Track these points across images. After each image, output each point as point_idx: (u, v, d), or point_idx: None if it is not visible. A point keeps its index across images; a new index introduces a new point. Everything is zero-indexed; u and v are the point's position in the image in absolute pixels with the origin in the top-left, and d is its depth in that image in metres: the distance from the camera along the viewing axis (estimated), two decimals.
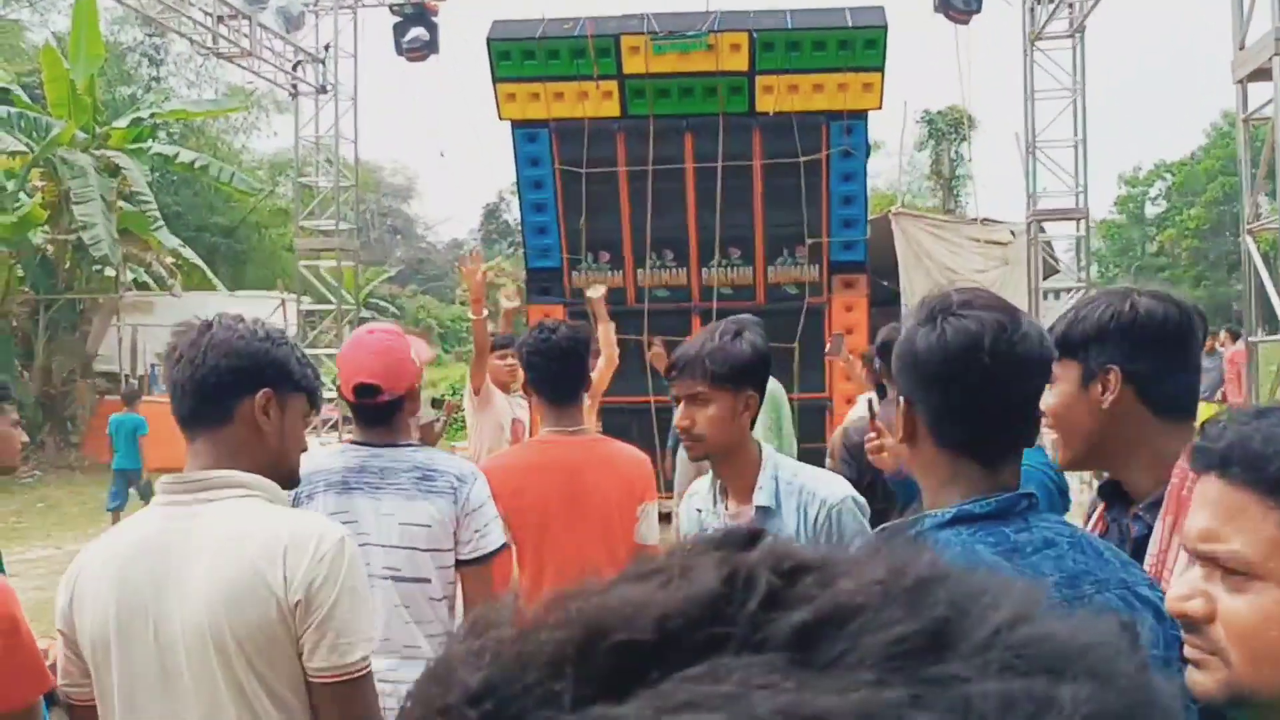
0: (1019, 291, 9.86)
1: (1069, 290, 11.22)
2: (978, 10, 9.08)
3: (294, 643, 1.59)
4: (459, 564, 2.46)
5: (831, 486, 2.25)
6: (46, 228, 15.86)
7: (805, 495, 2.19)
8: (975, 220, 12.02)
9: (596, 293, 5.98)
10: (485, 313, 5.22)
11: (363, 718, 1.64)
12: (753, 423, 2.27)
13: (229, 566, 1.58)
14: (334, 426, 12.51)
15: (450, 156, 20.71)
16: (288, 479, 1.79)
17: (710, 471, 2.36)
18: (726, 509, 2.30)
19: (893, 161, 26.81)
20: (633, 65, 9.60)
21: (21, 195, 15.80)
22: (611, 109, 9.80)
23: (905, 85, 12.58)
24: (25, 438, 3.25)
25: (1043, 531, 1.35)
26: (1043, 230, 10.43)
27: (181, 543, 1.61)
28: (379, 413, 2.54)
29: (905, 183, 31.41)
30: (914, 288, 10.61)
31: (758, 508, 2.19)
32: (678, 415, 2.25)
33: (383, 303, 29.78)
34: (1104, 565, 1.34)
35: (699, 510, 2.38)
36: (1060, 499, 3.16)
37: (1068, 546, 1.34)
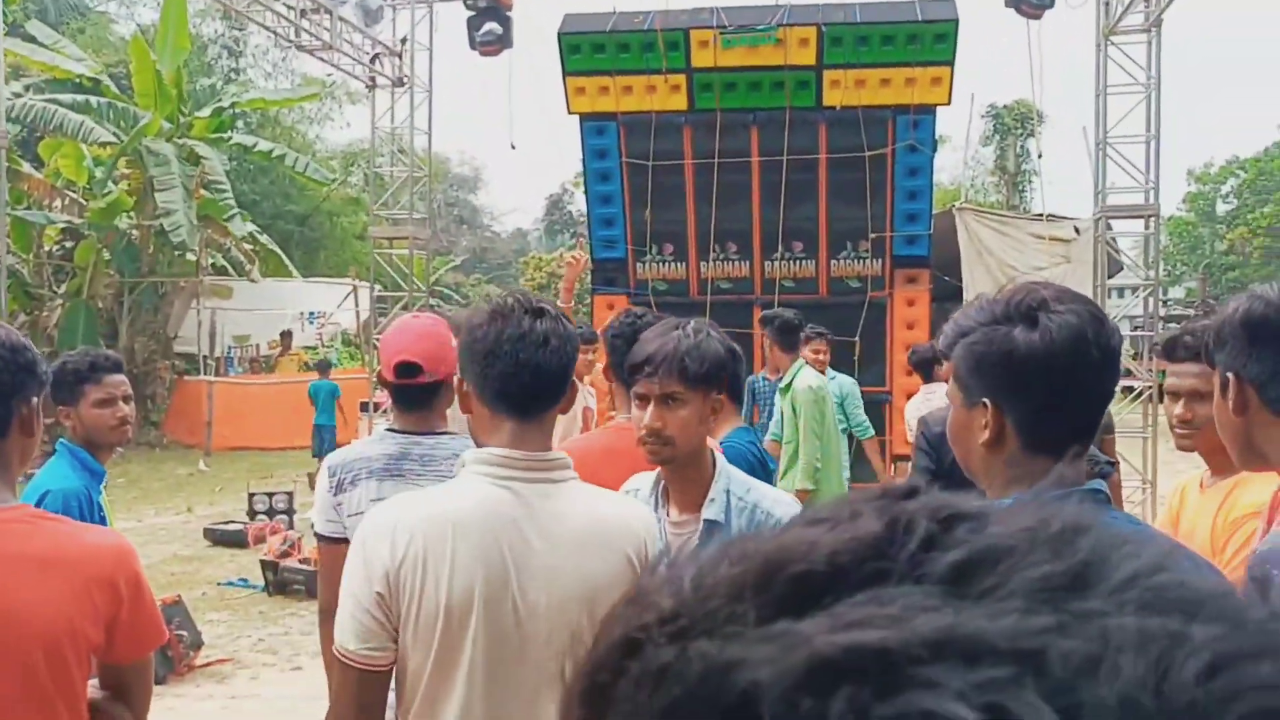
0: (1082, 289, 9.76)
1: (1134, 289, 11.08)
2: (1050, 5, 9.01)
3: None
4: None
5: (785, 506, 2.15)
6: (132, 214, 16.49)
7: (759, 514, 2.09)
8: (1039, 216, 11.92)
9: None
10: (572, 303, 5.34)
11: None
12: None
13: (601, 551, 1.71)
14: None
15: (517, 148, 20.94)
16: None
17: (658, 469, 2.22)
18: (668, 515, 2.17)
19: (957, 156, 26.53)
20: (701, 59, 9.69)
21: (109, 183, 16.46)
22: (679, 103, 9.91)
23: (971, 79, 12.45)
24: (131, 411, 3.32)
25: None
26: (1109, 227, 10.31)
27: (538, 519, 1.68)
28: (418, 395, 2.57)
29: (969, 177, 31.01)
30: (975, 284, 10.57)
31: (705, 520, 2.09)
32: (648, 416, 2.08)
33: (448, 290, 30.28)
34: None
35: (634, 490, 2.27)
36: (762, 471, 3.29)
37: None
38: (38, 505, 3.06)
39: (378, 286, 12.96)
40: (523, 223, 53.11)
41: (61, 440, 3.33)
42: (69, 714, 1.87)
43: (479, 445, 1.86)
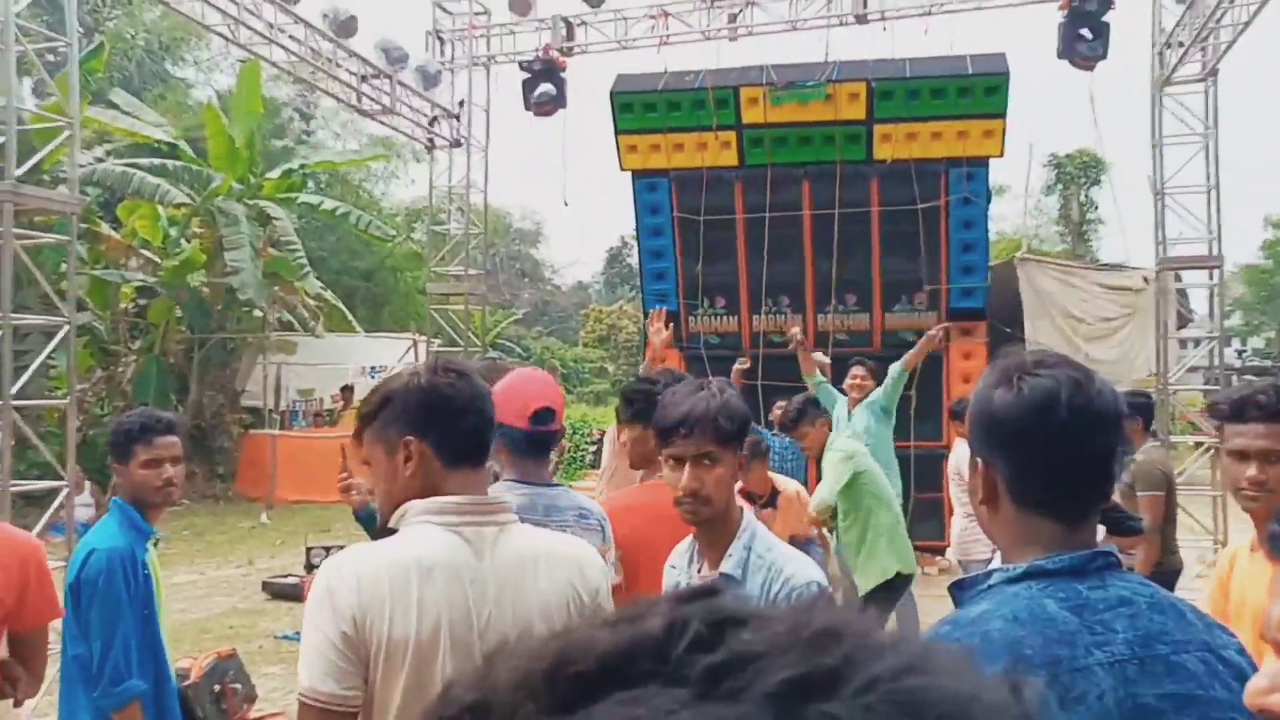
0: (1151, 340, 9.54)
1: (1204, 340, 10.77)
2: (1103, 57, 8.92)
3: None
4: None
5: (800, 568, 2.19)
6: (203, 272, 17.03)
7: (772, 572, 2.14)
8: (1106, 266, 11.70)
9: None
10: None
11: None
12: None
13: (547, 573, 1.84)
14: None
15: (574, 203, 21.57)
16: None
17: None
18: (700, 571, 2.27)
19: (1018, 205, 26.24)
20: (751, 115, 9.79)
21: (182, 242, 17.05)
22: (730, 158, 10.00)
23: (1031, 128, 12.36)
24: (179, 473, 3.37)
25: (1119, 590, 1.35)
26: (1178, 279, 10.07)
27: (491, 558, 1.80)
28: (545, 443, 2.69)
29: (1033, 227, 30.60)
30: (1038, 335, 10.39)
31: (722, 574, 2.16)
32: (685, 478, 2.15)
33: (509, 344, 30.61)
34: (1185, 627, 1.34)
35: (674, 567, 2.38)
36: None
37: (1145, 606, 1.34)
38: (84, 563, 3.16)
39: (436, 341, 13.18)
40: (583, 276, 53.67)
41: (115, 498, 3.41)
42: None
43: (388, 509, 1.90)
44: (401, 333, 20.79)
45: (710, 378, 2.27)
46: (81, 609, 3.12)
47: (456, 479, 1.86)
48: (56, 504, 6.32)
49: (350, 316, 19.35)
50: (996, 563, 1.49)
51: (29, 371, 6.25)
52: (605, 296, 45.65)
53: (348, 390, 19.03)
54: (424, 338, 14.75)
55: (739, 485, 2.33)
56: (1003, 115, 9.37)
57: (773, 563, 2.15)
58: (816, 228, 9.90)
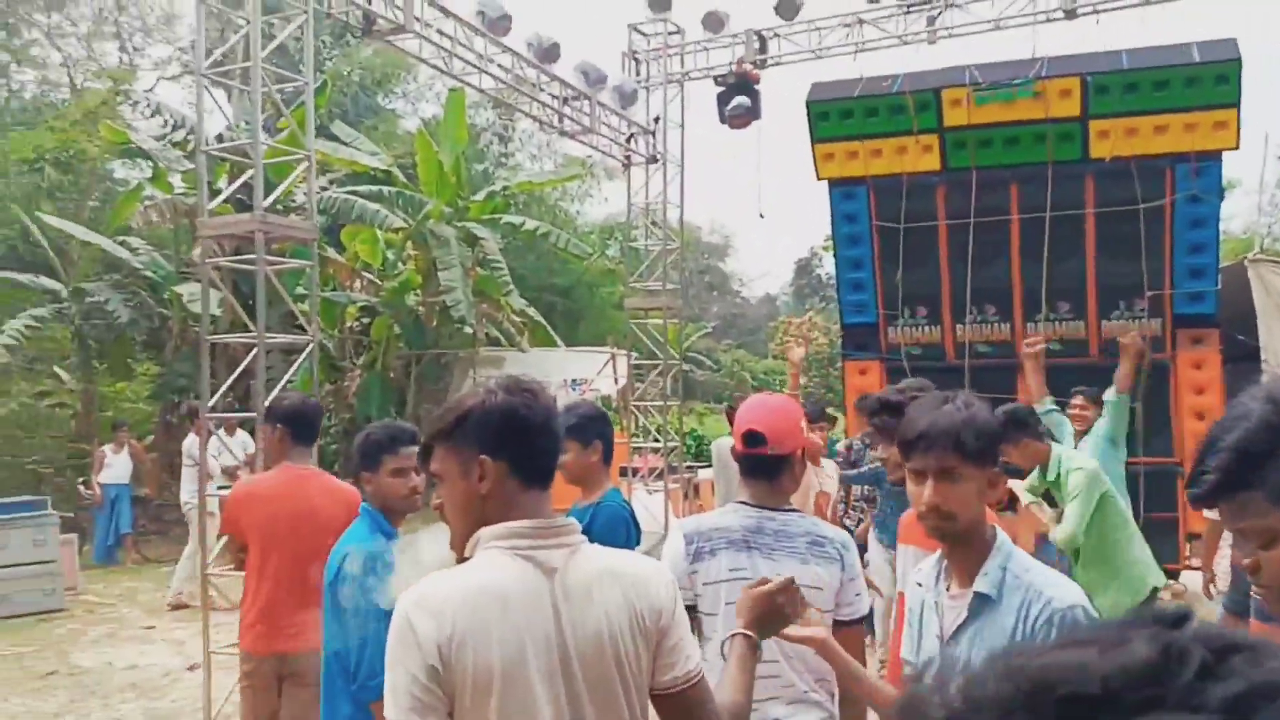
0: None
1: None
2: None
3: (651, 657, 1.87)
4: (835, 624, 2.59)
5: (1062, 591, 2.08)
6: (419, 292, 18.11)
7: (1032, 593, 2.04)
8: None
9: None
10: (799, 393, 5.42)
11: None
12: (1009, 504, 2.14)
13: (617, 601, 1.83)
14: (659, 475, 13.15)
15: (765, 216, 21.61)
16: None
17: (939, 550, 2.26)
18: (948, 590, 2.19)
19: (1250, 201, 24.15)
20: (954, 118, 9.47)
21: (399, 264, 18.19)
22: (931, 163, 9.71)
23: (1266, 117, 11.37)
24: (423, 481, 3.58)
25: None
26: None
27: (564, 580, 1.80)
28: (762, 466, 2.68)
29: (1266, 225, 28.05)
30: (1275, 343, 9.53)
31: (976, 594, 2.08)
32: (927, 493, 2.07)
33: (700, 356, 30.85)
34: None
35: (919, 585, 2.31)
36: (636, 529, 3.81)
37: None
38: (341, 564, 3.44)
39: (634, 354, 13.47)
40: (771, 288, 53.46)
41: (364, 504, 3.70)
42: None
43: (470, 526, 1.87)
44: (597, 346, 21.35)
45: (959, 389, 2.20)
46: (340, 607, 3.40)
47: (530, 499, 1.85)
48: None
49: (551, 331, 20.07)
50: None
51: (279, 385, 6.84)
52: (794, 308, 45.22)
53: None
54: (622, 351, 15.10)
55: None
56: (1236, 105, 8.68)
57: (1031, 583, 2.06)
58: (1025, 232, 9.47)
